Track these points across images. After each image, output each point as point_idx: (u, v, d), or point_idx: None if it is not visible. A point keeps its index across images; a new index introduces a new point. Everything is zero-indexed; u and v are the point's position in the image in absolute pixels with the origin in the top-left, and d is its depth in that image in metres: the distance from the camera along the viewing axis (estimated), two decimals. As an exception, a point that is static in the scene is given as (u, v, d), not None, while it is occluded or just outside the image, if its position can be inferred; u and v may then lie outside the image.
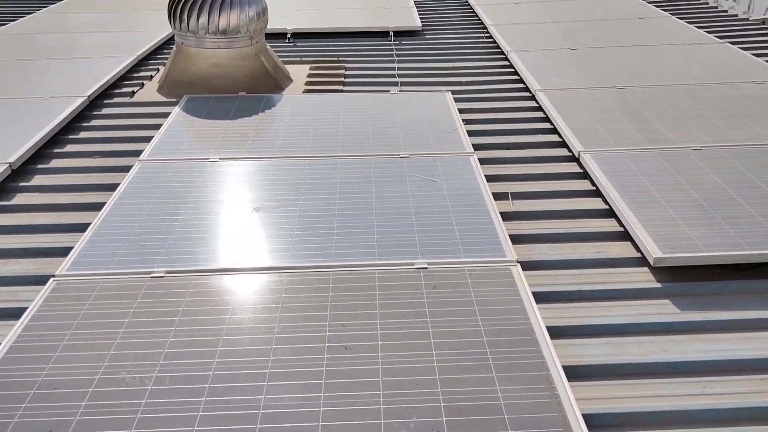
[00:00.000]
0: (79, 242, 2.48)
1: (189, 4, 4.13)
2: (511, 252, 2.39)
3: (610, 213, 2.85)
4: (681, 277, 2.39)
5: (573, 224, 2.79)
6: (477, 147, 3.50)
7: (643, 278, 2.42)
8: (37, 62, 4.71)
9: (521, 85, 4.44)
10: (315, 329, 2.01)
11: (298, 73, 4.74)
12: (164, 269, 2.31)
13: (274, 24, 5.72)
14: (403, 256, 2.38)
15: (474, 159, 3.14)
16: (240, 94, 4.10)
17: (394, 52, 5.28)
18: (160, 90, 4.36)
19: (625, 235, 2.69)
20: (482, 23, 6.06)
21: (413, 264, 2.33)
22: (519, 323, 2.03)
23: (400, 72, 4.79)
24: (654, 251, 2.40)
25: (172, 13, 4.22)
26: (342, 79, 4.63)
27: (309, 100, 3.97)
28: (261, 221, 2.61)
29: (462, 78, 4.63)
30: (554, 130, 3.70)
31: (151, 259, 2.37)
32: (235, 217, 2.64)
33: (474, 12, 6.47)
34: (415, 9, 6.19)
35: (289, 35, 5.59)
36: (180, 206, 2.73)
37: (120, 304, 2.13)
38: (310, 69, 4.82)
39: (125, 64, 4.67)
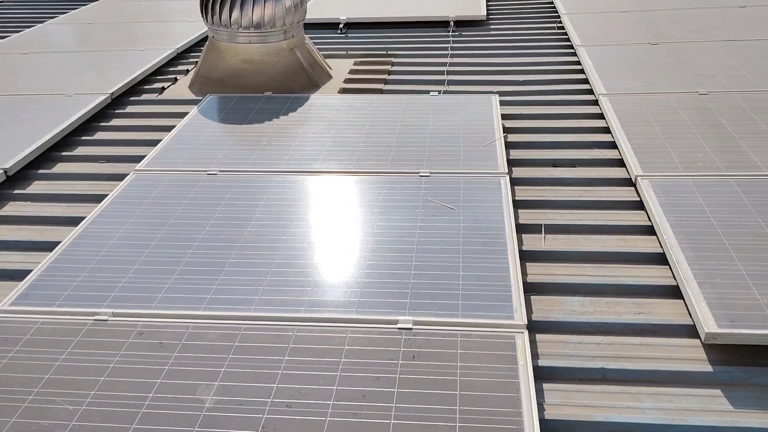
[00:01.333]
0: (35, 270, 2.24)
1: (219, -5, 3.84)
2: (521, 313, 1.93)
3: (663, 259, 2.32)
4: (741, 360, 1.85)
5: (615, 271, 2.27)
6: (517, 163, 3.01)
7: (692, 356, 1.89)
8: (77, 54, 4.59)
9: (585, 86, 3.87)
10: (251, 407, 1.64)
11: (341, 68, 4.37)
12: (111, 310, 2.01)
13: (326, 14, 5.37)
14: (387, 309, 1.97)
15: (505, 182, 2.67)
16: (266, 94, 3.77)
17: (450, 45, 4.81)
18: (191, 86, 4.11)
19: (677, 292, 2.16)
20: (557, 12, 5.45)
21: (396, 322, 1.92)
22: (507, 419, 1.58)
23: (451, 69, 4.32)
24: (707, 323, 1.87)
25: (203, 5, 3.94)
26: (386, 76, 4.21)
27: (337, 102, 3.59)
28: (237, 258, 2.27)
29: (519, 76, 4.11)
30: (614, 145, 3.14)
31: (102, 296, 2.09)
32: (213, 250, 2.31)
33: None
34: None
35: (341, 26, 5.22)
36: (157, 230, 2.44)
37: (48, 353, 1.85)
38: (354, 64, 4.44)
39: (161, 58, 4.45)
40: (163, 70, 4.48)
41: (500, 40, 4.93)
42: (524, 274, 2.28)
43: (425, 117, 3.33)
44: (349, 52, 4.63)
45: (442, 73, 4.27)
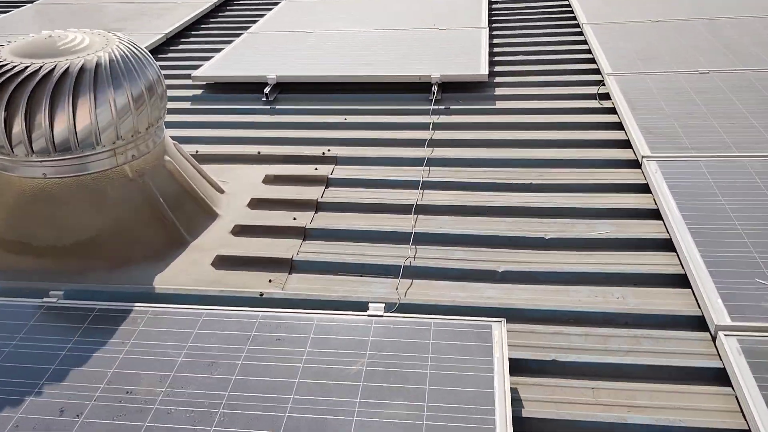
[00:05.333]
0: None
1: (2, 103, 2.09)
2: None
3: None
4: None
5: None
6: None
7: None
8: None
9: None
10: None
11: (244, 185, 2.60)
12: None
13: (245, 68, 3.59)
14: None
15: None
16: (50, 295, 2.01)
17: (431, 125, 3.01)
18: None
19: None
20: (597, 68, 3.59)
21: None
22: None
23: (429, 178, 2.53)
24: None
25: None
26: (318, 197, 2.44)
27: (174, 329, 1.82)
28: None
29: (545, 198, 2.32)
30: None
31: None
32: None
33: (586, 43, 3.98)
34: (486, 44, 3.77)
35: (268, 90, 3.44)
36: None
37: None
38: (264, 181, 2.66)
39: None
40: None
41: (508, 118, 3.13)
42: None
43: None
44: (260, 153, 2.85)
45: (413, 185, 2.50)
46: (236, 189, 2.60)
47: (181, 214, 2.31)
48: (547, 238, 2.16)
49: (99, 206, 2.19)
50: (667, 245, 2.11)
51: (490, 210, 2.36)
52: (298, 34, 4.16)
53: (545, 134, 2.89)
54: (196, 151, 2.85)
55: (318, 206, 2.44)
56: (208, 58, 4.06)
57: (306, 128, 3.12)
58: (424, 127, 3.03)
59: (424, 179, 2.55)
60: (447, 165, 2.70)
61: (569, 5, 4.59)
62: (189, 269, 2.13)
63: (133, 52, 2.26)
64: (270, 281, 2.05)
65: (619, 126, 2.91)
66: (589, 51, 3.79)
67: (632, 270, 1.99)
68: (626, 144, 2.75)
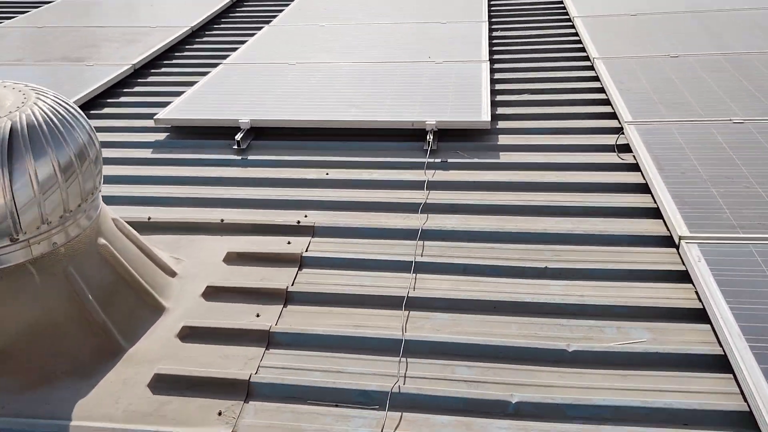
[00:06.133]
0: None
1: None
2: None
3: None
4: None
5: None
6: None
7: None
8: None
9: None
10: None
11: (202, 263, 2.16)
12: None
13: (213, 109, 3.16)
14: None
15: None
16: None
17: (425, 184, 2.58)
18: None
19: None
20: (614, 113, 3.16)
21: None
22: None
23: (422, 262, 2.10)
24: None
25: None
26: (287, 285, 2.00)
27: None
28: None
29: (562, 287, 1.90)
30: None
31: None
32: None
33: (598, 80, 3.56)
34: (487, 82, 3.32)
35: (239, 137, 3.00)
36: None
37: None
38: (226, 259, 2.22)
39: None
40: None
41: (517, 173, 2.71)
42: None
43: None
44: (224, 221, 2.41)
45: (403, 267, 2.06)
46: (192, 270, 2.16)
47: (116, 311, 1.87)
48: (570, 350, 1.73)
49: (9, 307, 1.75)
50: (719, 363, 1.68)
51: (497, 306, 1.93)
52: (280, 66, 3.73)
53: (558, 198, 2.46)
54: (149, 218, 2.41)
55: (287, 297, 2.00)
56: (179, 93, 3.63)
57: (281, 185, 2.68)
58: (417, 186, 2.60)
59: (417, 259, 2.12)
60: (444, 238, 2.26)
61: (577, 35, 4.19)
62: (119, 393, 1.68)
63: (56, 110, 1.82)
64: (219, 414, 1.60)
65: (645, 189, 2.49)
66: (602, 90, 3.37)
67: (682, 403, 1.56)
68: (656, 214, 2.33)
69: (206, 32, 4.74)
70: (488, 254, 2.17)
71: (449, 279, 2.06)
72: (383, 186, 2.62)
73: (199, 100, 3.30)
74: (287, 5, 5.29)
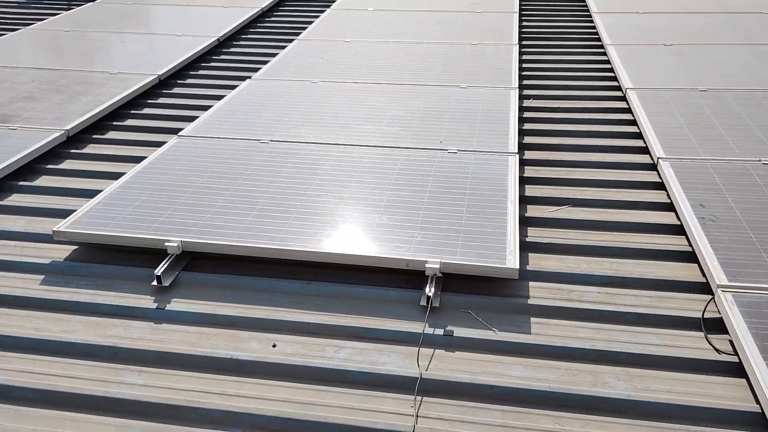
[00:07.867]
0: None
1: None
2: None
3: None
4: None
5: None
6: None
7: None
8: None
9: None
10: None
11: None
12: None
13: (142, 226, 2.26)
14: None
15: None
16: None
17: (415, 392, 1.70)
18: None
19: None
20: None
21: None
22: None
23: None
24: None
25: None
26: None
27: None
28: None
29: None
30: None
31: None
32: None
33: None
34: (516, 209, 2.35)
35: (158, 273, 2.12)
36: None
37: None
38: None
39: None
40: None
41: (562, 363, 1.82)
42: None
43: None
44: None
45: None
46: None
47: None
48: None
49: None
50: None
51: None
52: (249, 143, 2.91)
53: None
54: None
55: None
56: (112, 176, 2.79)
57: (201, 369, 1.78)
58: (406, 385, 1.72)
59: None
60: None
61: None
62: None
63: None
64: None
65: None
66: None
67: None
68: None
69: (178, 80, 3.94)
70: None
71: None
72: (354, 380, 1.74)
73: (120, 207, 2.39)
74: (271, 57, 4.40)
